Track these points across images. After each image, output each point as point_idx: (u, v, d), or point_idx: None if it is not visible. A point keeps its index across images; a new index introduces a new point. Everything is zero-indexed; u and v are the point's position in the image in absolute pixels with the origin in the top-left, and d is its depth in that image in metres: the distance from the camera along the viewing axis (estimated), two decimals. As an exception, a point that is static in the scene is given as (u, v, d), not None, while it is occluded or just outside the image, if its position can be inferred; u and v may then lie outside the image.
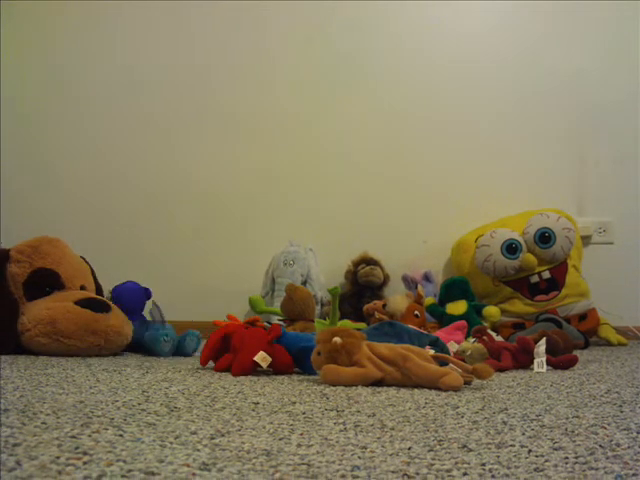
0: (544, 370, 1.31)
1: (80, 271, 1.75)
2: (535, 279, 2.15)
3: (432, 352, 1.14)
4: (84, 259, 1.85)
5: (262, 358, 1.19)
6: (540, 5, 2.47)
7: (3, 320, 1.56)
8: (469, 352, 1.31)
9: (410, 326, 1.41)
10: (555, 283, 2.15)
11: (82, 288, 1.71)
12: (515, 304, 2.18)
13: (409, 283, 2.21)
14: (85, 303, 1.59)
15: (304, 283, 2.23)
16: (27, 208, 2.47)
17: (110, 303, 1.67)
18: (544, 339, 1.35)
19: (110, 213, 2.48)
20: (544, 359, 1.32)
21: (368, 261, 2.29)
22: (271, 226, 2.45)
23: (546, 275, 2.14)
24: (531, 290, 2.16)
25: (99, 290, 1.87)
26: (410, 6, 2.50)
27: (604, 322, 2.16)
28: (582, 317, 2.14)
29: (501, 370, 1.31)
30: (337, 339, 1.09)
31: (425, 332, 1.42)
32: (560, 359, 1.35)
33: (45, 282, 1.64)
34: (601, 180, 2.43)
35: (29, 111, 2.56)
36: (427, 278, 2.21)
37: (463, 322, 1.67)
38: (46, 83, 2.57)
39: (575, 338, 1.97)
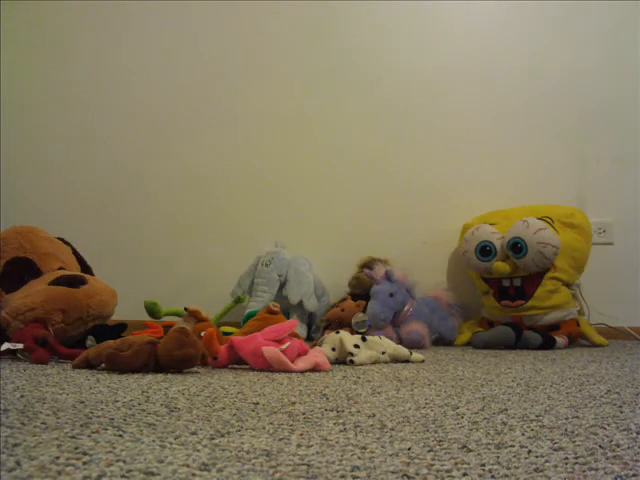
0: None
1: (55, 253, 1.71)
2: (507, 283, 2.12)
3: None
4: (63, 240, 1.81)
5: None
6: (540, 5, 2.47)
7: None
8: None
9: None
10: (523, 293, 2.09)
11: (60, 270, 1.68)
12: (489, 301, 2.17)
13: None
14: (58, 281, 1.57)
15: (282, 285, 2.14)
16: (27, 206, 2.47)
17: (85, 276, 1.63)
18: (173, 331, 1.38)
19: (103, 209, 2.49)
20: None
21: (376, 263, 2.25)
22: (271, 227, 2.45)
23: (517, 283, 2.10)
24: (501, 293, 2.13)
25: (84, 266, 1.82)
26: (412, 6, 2.50)
27: (585, 324, 2.11)
28: (554, 327, 2.05)
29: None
30: None
31: None
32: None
33: (20, 271, 1.60)
34: (601, 180, 2.42)
35: (30, 109, 2.56)
36: (388, 278, 2.09)
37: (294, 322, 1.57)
38: (47, 82, 2.57)
39: (533, 339, 1.92)
